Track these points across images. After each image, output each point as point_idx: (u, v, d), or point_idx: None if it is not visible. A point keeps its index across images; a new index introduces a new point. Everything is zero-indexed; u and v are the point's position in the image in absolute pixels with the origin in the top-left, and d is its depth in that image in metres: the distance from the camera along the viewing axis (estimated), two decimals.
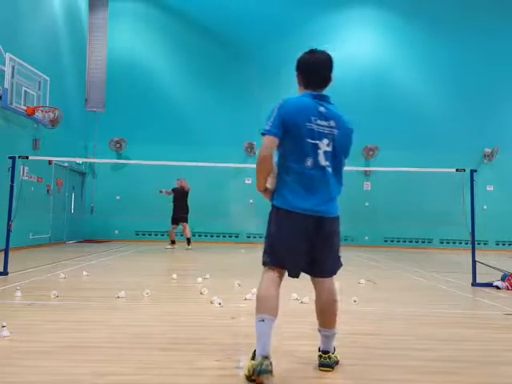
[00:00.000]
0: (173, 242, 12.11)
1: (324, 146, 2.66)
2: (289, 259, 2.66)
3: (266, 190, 2.75)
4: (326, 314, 2.74)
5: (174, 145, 14.45)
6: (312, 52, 2.77)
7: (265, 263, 2.71)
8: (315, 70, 2.74)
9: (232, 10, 15.38)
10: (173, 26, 15.54)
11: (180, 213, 11.94)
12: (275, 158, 2.70)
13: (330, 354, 2.73)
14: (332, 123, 2.68)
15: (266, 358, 2.42)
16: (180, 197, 12.08)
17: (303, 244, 2.64)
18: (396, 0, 15.74)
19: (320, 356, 2.73)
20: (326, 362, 2.70)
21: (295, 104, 2.69)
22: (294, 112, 2.64)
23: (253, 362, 2.48)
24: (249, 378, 2.49)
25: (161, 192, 12.31)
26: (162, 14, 15.63)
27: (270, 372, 2.38)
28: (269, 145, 2.60)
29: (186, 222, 11.95)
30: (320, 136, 2.65)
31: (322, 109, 2.68)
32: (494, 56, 15.48)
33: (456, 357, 3.07)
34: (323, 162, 2.65)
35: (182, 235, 12.34)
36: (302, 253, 2.65)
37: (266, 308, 2.56)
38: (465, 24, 15.52)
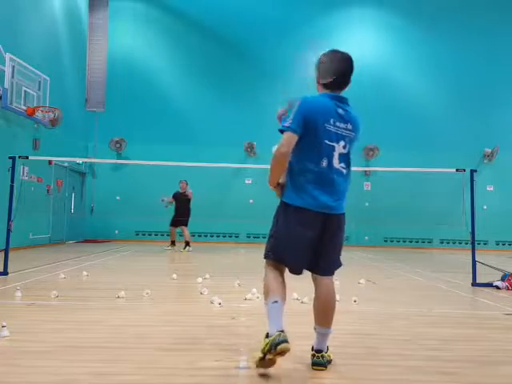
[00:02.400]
0: (173, 243, 12.04)
1: (340, 148, 2.67)
2: (292, 257, 2.69)
3: (277, 185, 2.75)
4: (324, 312, 2.74)
5: (174, 145, 14.45)
6: (334, 52, 2.76)
7: (267, 256, 2.78)
8: (339, 73, 2.72)
9: (232, 10, 15.38)
10: (173, 26, 15.53)
11: (180, 216, 11.73)
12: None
13: (323, 353, 2.73)
14: (349, 126, 2.70)
15: (282, 331, 2.53)
16: (182, 201, 11.85)
17: (310, 241, 2.66)
18: (396, 0, 15.75)
19: (313, 355, 2.74)
20: (319, 360, 2.71)
21: (316, 103, 2.67)
22: (315, 111, 2.64)
23: (267, 339, 2.53)
24: (262, 360, 2.57)
25: (162, 201, 11.83)
26: (162, 14, 15.63)
27: (287, 341, 2.49)
28: (289, 141, 2.59)
29: (185, 226, 11.75)
30: (337, 138, 2.66)
31: (340, 111, 2.68)
32: (494, 56, 15.48)
33: (456, 357, 3.07)
34: (337, 164, 2.67)
35: (181, 235, 12.30)
36: (308, 250, 2.68)
37: (278, 292, 2.65)
38: (465, 24, 15.52)
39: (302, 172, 2.66)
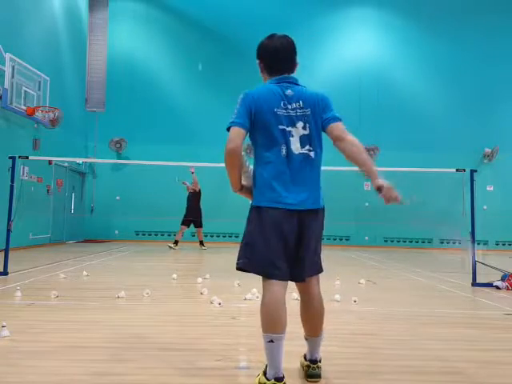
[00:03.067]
0: (176, 243, 12.07)
1: (300, 130, 2.44)
2: (273, 264, 2.37)
3: (241, 188, 2.54)
4: (316, 321, 2.55)
5: (174, 145, 14.45)
6: (272, 37, 2.61)
7: (237, 264, 2.47)
8: (278, 55, 2.56)
9: (232, 10, 15.39)
10: (173, 26, 15.54)
11: (193, 216, 11.84)
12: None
13: (319, 363, 2.56)
14: (301, 103, 2.47)
15: (280, 379, 2.30)
16: (193, 198, 11.95)
17: (288, 243, 2.38)
18: (396, 0, 15.75)
19: (308, 366, 2.55)
20: (315, 372, 2.53)
21: (260, 92, 2.49)
22: (260, 99, 2.44)
23: (265, 381, 2.31)
24: None
25: (183, 183, 12.11)
26: (162, 14, 15.63)
27: None
28: (235, 137, 2.38)
29: (201, 227, 11.97)
30: (293, 121, 2.44)
31: (289, 91, 2.48)
32: (493, 56, 15.48)
33: (456, 357, 3.07)
34: (299, 148, 2.43)
35: (193, 235, 12.38)
36: (288, 253, 2.39)
37: (274, 326, 2.33)
38: (465, 24, 15.53)
39: (264, 166, 2.43)
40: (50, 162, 12.17)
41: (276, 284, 2.37)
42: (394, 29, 15.77)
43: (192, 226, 12.07)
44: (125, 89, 15.10)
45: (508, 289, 6.00)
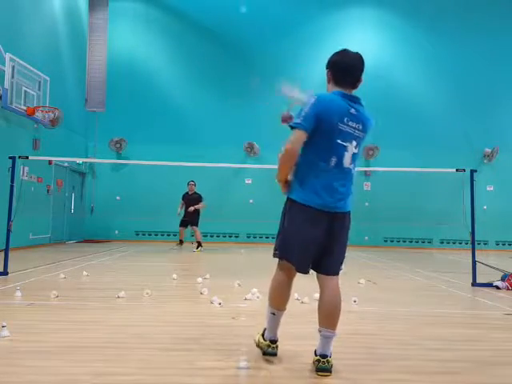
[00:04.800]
0: (180, 242, 12.07)
1: (352, 148, 2.65)
2: (298, 255, 2.66)
3: (286, 182, 2.73)
4: (330, 314, 2.68)
5: (174, 145, 14.45)
6: (345, 52, 2.74)
7: (275, 255, 2.79)
8: (348, 70, 2.69)
9: (232, 10, 15.38)
10: (173, 26, 15.53)
11: (189, 216, 11.79)
12: None
13: (329, 358, 2.64)
14: (360, 126, 2.67)
15: (275, 342, 2.86)
16: (190, 202, 11.88)
17: (315, 239, 2.64)
18: (396, 0, 15.75)
19: (318, 360, 2.64)
20: (325, 366, 2.61)
21: (330, 102, 2.63)
22: (329, 110, 2.60)
23: (263, 341, 2.89)
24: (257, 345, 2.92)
25: (178, 214, 11.91)
26: (162, 15, 15.63)
27: (275, 354, 2.85)
28: (297, 139, 2.58)
29: (196, 226, 11.86)
30: (350, 138, 2.64)
31: (353, 110, 2.65)
32: (494, 56, 15.48)
33: (456, 357, 3.07)
34: (349, 163, 2.66)
35: (192, 235, 12.32)
36: (314, 248, 2.65)
37: (278, 303, 2.81)
38: (465, 23, 15.52)
39: (310, 170, 2.63)
40: (50, 162, 12.17)
41: (287, 269, 2.75)
42: (393, 28, 15.76)
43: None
44: (125, 89, 15.10)
45: (508, 289, 6.00)
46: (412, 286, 6.33)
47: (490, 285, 6.17)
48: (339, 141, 2.61)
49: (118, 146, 14.98)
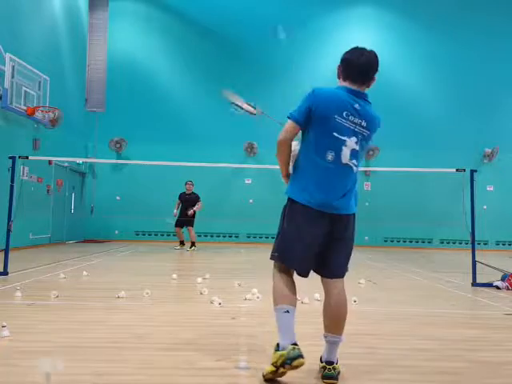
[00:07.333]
0: (181, 243, 12.08)
1: (352, 143, 2.55)
2: (297, 257, 2.57)
3: (289, 176, 2.68)
4: (336, 319, 2.59)
5: (174, 145, 14.44)
6: (357, 50, 2.67)
7: (272, 257, 2.68)
8: (358, 68, 2.61)
9: (232, 10, 15.38)
10: (173, 26, 15.53)
11: (184, 217, 11.81)
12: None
13: (335, 364, 2.55)
14: (364, 123, 2.58)
15: (296, 344, 2.45)
16: (187, 202, 11.88)
17: (316, 240, 2.54)
18: (395, 0, 15.74)
19: (324, 367, 2.55)
20: (331, 373, 2.51)
21: (327, 94, 2.58)
22: (325, 102, 2.53)
23: (280, 352, 2.43)
24: (273, 373, 2.46)
25: (175, 215, 11.95)
26: (162, 14, 15.63)
27: (302, 356, 2.41)
28: (288, 129, 2.55)
29: (192, 226, 11.87)
30: (349, 133, 2.54)
31: (357, 106, 2.56)
32: (493, 55, 15.48)
33: (456, 357, 3.07)
34: (347, 159, 2.55)
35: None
36: (314, 250, 2.56)
37: (288, 299, 2.55)
38: (464, 23, 15.51)
39: (308, 165, 2.56)
40: (50, 162, 12.16)
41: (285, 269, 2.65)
42: (393, 29, 15.76)
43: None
44: (125, 89, 15.10)
45: (508, 289, 6.00)
46: (412, 286, 6.33)
47: (490, 285, 6.17)
48: (336, 134, 2.51)
49: (117, 146, 14.98)
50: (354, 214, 2.65)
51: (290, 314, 2.52)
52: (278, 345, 2.50)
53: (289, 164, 2.67)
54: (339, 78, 2.70)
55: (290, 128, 2.55)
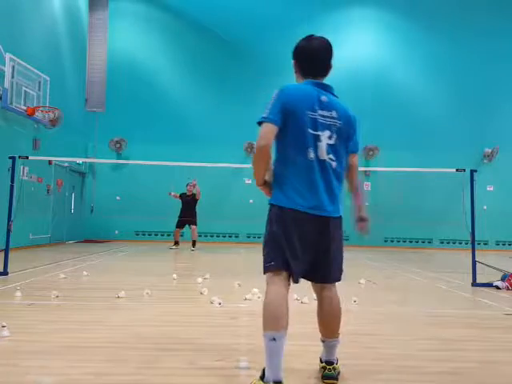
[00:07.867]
0: (176, 243, 12.10)
1: (325, 138, 2.44)
2: (290, 260, 2.39)
3: (264, 183, 2.51)
4: (331, 324, 2.55)
5: (173, 145, 14.45)
6: (310, 39, 2.54)
7: (266, 268, 2.43)
8: (314, 57, 2.52)
9: (232, 10, 15.39)
10: (173, 25, 15.54)
11: (187, 217, 11.85)
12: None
13: (335, 364, 2.55)
14: (334, 113, 2.47)
15: (280, 382, 2.22)
16: (188, 203, 11.96)
17: (305, 246, 2.41)
18: (396, 0, 15.75)
19: (324, 368, 2.54)
20: (331, 373, 2.50)
21: (296, 90, 2.48)
22: (296, 98, 2.43)
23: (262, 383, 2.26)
24: None
25: (169, 194, 12.15)
26: (162, 14, 15.63)
27: None
28: (267, 133, 2.36)
29: (195, 225, 11.92)
30: (322, 127, 2.43)
31: (323, 98, 2.46)
32: (493, 56, 15.48)
33: (456, 357, 3.07)
34: (324, 155, 2.43)
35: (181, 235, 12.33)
36: (305, 256, 2.42)
37: (277, 323, 2.28)
38: (464, 24, 15.52)
39: (288, 166, 2.43)
40: (50, 162, 12.16)
41: (280, 281, 2.40)
42: (394, 29, 15.77)
43: (188, 226, 12.05)
44: (125, 89, 15.10)
45: (508, 289, 6.00)
46: (412, 286, 6.33)
47: (490, 285, 6.17)
48: (310, 130, 2.41)
49: (117, 145, 14.98)
50: (339, 218, 2.54)
51: (278, 343, 2.24)
52: (263, 372, 2.31)
53: (265, 174, 2.51)
54: (296, 73, 2.61)
55: (269, 131, 2.37)
